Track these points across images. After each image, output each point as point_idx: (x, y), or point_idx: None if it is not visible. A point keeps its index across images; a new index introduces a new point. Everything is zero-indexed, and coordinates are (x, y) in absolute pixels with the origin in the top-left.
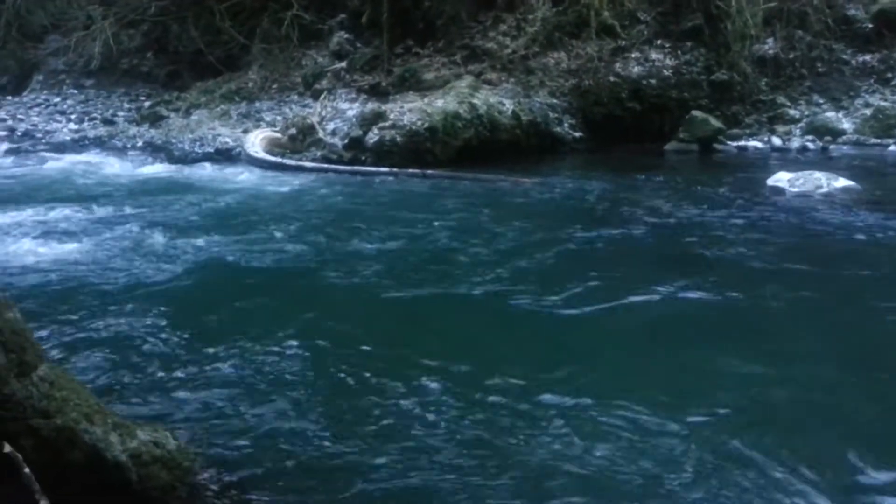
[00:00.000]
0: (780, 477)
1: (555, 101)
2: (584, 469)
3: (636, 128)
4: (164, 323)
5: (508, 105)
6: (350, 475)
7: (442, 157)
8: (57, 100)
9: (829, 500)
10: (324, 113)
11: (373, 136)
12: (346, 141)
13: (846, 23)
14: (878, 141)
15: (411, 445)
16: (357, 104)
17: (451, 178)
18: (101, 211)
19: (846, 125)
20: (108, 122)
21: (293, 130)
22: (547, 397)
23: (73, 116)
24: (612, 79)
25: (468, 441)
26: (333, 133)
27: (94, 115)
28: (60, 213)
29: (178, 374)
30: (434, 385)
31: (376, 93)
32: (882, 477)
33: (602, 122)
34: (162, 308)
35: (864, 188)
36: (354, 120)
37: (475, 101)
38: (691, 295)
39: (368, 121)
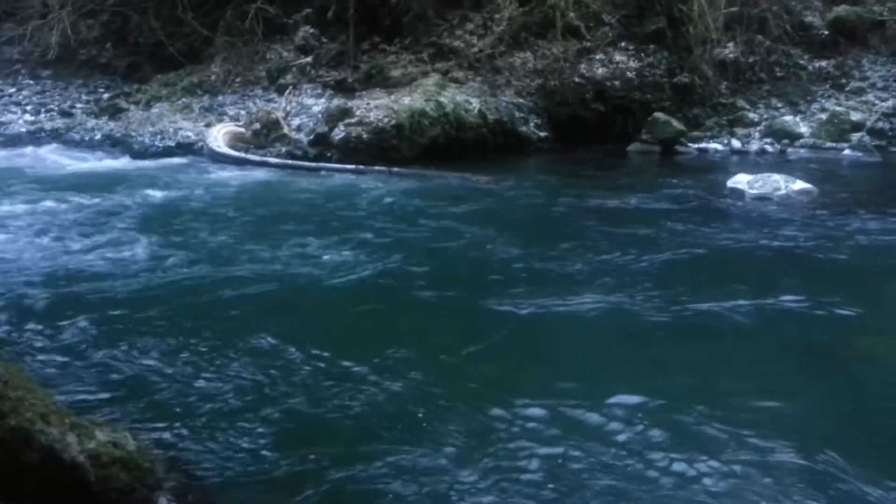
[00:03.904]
0: (758, 480)
1: (521, 100)
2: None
3: (600, 128)
4: (122, 323)
5: (475, 104)
6: (317, 481)
7: (408, 154)
8: (12, 90)
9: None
10: (289, 108)
11: (339, 133)
12: (311, 137)
13: (803, 29)
14: (834, 144)
15: (381, 446)
16: (323, 100)
17: (418, 175)
18: (55, 206)
19: (803, 129)
20: (65, 113)
21: (257, 125)
22: (521, 400)
23: (28, 108)
24: (577, 80)
25: (449, 448)
26: (298, 129)
27: (51, 106)
28: (10, 209)
29: (140, 374)
30: (401, 385)
31: (342, 89)
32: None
33: (567, 123)
34: (119, 308)
35: (821, 190)
36: (320, 116)
37: (442, 99)
38: (638, 299)
39: (334, 117)
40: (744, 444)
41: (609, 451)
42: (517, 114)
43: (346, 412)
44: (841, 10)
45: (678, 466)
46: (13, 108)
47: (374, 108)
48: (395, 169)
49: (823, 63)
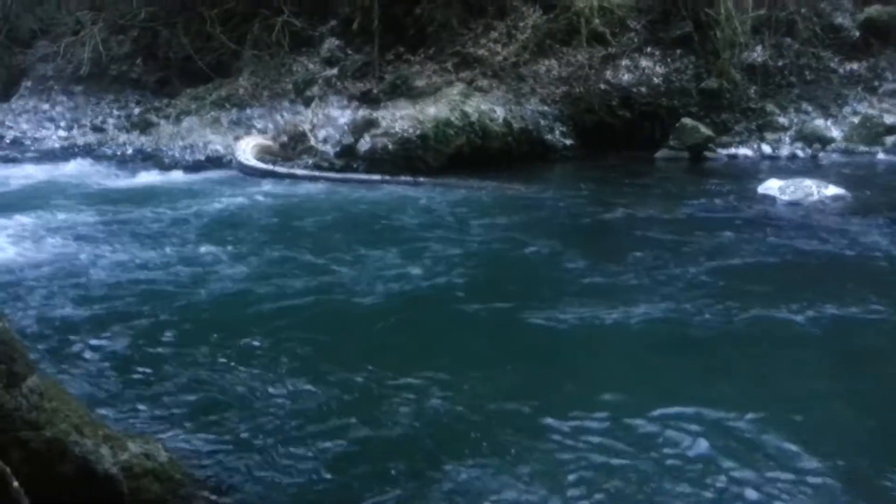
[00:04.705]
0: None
1: (546, 108)
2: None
3: (627, 135)
4: (157, 336)
5: (500, 112)
6: (355, 498)
7: (434, 164)
8: (46, 106)
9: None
10: (315, 120)
11: (365, 144)
12: (338, 148)
13: (833, 31)
14: (867, 148)
15: (412, 459)
16: (349, 111)
17: (444, 185)
18: (94, 219)
19: (835, 133)
20: (97, 129)
21: (285, 138)
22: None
23: (62, 123)
24: (602, 86)
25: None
26: (325, 140)
27: (84, 121)
28: (49, 222)
29: (173, 387)
30: (432, 398)
31: (368, 100)
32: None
33: (593, 130)
34: (156, 321)
35: (854, 195)
36: (346, 127)
37: (467, 108)
38: (683, 308)
39: (360, 128)
40: (799, 455)
41: (663, 462)
42: (542, 122)
43: (392, 427)
44: (872, 10)
45: (735, 477)
46: (47, 124)
47: (400, 118)
48: (422, 179)
49: (855, 65)
